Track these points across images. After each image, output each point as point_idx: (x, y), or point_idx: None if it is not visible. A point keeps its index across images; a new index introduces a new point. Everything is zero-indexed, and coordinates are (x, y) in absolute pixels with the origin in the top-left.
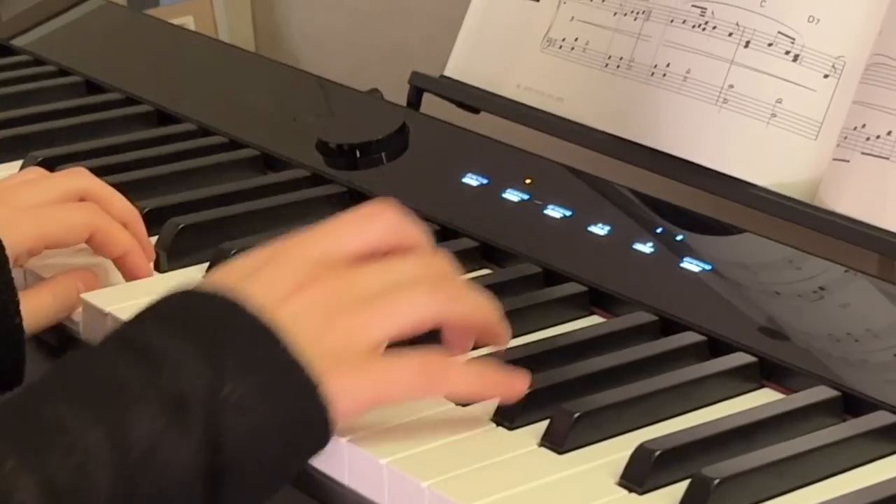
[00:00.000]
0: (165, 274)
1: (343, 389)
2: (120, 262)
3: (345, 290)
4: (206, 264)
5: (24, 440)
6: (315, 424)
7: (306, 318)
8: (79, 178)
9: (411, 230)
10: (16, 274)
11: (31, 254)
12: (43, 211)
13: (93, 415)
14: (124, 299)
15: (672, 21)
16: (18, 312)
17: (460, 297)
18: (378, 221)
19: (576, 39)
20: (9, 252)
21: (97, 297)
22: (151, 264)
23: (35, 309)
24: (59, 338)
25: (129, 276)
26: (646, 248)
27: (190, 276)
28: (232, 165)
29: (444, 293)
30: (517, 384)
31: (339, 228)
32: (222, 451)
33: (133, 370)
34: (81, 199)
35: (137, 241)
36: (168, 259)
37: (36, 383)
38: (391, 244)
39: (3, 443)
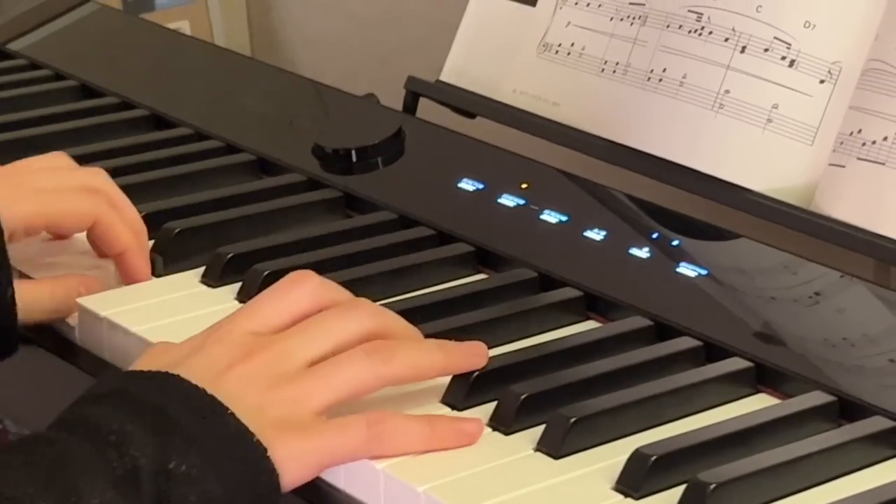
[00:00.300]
0: (161, 278)
1: (290, 455)
2: (119, 260)
3: (281, 359)
4: (202, 269)
5: None
6: (264, 492)
7: (247, 390)
8: (97, 176)
9: (334, 292)
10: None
11: (29, 232)
12: (50, 194)
13: (43, 487)
14: (120, 304)
15: (668, 26)
16: (10, 282)
17: (397, 356)
18: (302, 288)
19: (572, 44)
20: (5, 225)
21: (93, 302)
22: (149, 269)
23: (30, 299)
24: (55, 341)
25: (128, 276)
26: (642, 253)
27: (186, 280)
28: (228, 170)
29: (379, 357)
30: (467, 430)
31: (265, 302)
32: None
33: (81, 446)
34: None
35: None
36: (164, 263)
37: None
38: (316, 308)
39: None
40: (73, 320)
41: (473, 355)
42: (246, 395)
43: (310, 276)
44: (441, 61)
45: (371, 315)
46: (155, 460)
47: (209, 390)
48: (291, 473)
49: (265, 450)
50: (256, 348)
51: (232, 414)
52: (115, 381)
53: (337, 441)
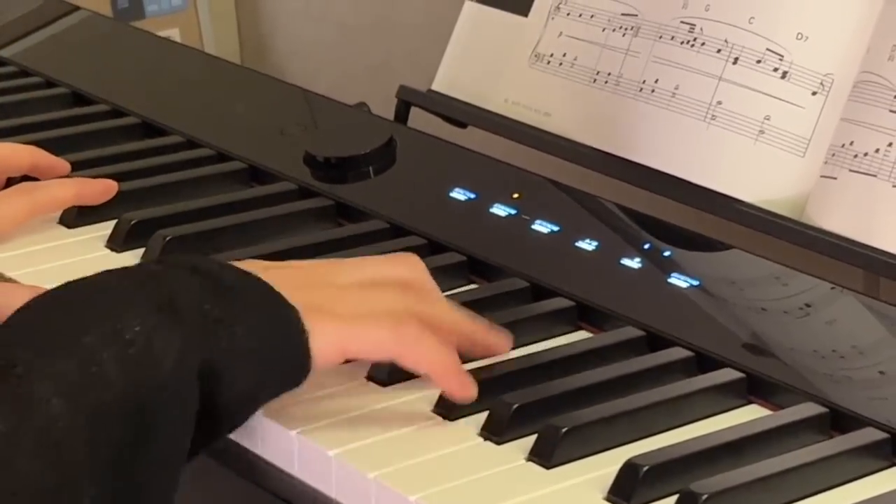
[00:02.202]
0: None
1: (319, 329)
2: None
3: (328, 272)
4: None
5: (28, 345)
6: (293, 351)
7: (290, 281)
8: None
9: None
10: None
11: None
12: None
13: (90, 317)
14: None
15: (661, 37)
16: None
17: (432, 302)
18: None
19: (564, 55)
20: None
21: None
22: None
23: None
24: None
25: (51, 175)
26: (633, 263)
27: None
28: (219, 178)
29: (416, 296)
30: (466, 389)
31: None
32: (213, 358)
33: (122, 282)
34: None
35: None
36: None
37: (31, 300)
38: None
39: (8, 349)
40: None
41: (500, 339)
42: (289, 283)
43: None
44: (433, 71)
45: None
46: (197, 302)
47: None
48: (319, 348)
49: (299, 313)
50: (302, 264)
51: (272, 286)
52: (167, 260)
53: (364, 331)
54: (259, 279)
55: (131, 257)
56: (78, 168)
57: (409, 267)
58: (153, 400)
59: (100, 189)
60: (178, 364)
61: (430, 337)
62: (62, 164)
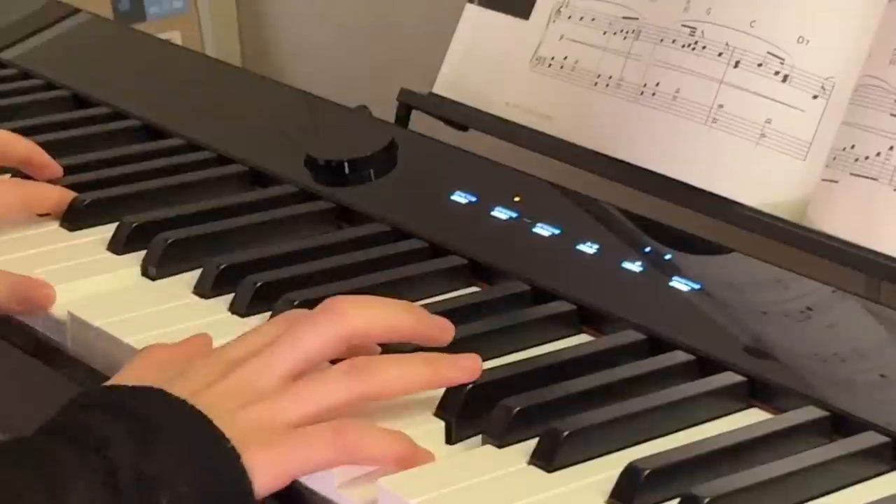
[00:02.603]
0: (153, 286)
1: (259, 463)
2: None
3: (257, 375)
4: (194, 279)
5: None
6: (236, 498)
7: (222, 404)
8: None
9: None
10: None
11: None
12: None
13: (30, 488)
14: (112, 314)
15: (662, 40)
16: None
17: (376, 373)
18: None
19: (565, 58)
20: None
21: (84, 311)
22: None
23: None
24: (45, 350)
25: (42, 174)
26: (634, 266)
27: (177, 290)
28: (220, 181)
29: (356, 375)
30: (427, 453)
31: (255, 332)
32: None
33: (65, 449)
34: None
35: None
36: (157, 274)
37: None
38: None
39: None
40: (64, 329)
41: (463, 368)
42: (221, 409)
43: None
44: (434, 74)
45: (351, 318)
46: (132, 463)
47: (188, 402)
48: (262, 483)
49: (238, 455)
50: (234, 368)
51: (209, 420)
52: (100, 392)
53: (304, 450)
54: (192, 414)
55: (132, 260)
56: (79, 171)
57: (338, 320)
58: None
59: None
60: None
61: (371, 433)
62: (55, 166)
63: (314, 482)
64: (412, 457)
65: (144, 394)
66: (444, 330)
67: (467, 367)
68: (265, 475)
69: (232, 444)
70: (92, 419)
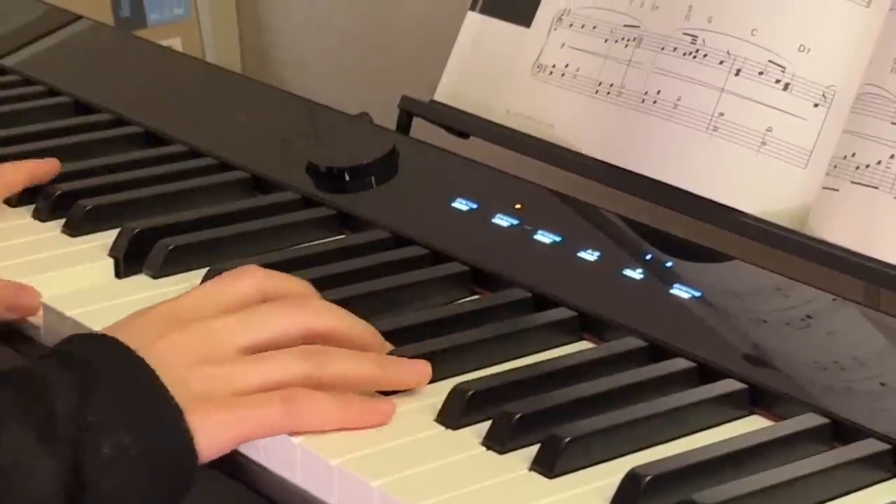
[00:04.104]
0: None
1: (204, 425)
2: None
3: (215, 337)
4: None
5: None
6: (178, 455)
7: (175, 360)
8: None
9: (282, 282)
10: None
11: None
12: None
13: None
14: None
15: (663, 48)
16: None
17: (331, 364)
18: (246, 278)
19: (566, 65)
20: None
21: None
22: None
23: None
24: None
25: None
26: (635, 274)
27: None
28: (222, 187)
29: (313, 360)
30: (380, 409)
31: (207, 288)
32: (85, 470)
33: (8, 391)
34: None
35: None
36: (157, 280)
37: None
38: (261, 300)
39: None
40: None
41: (412, 373)
42: (173, 364)
43: (254, 269)
44: (435, 81)
45: (316, 314)
46: (74, 408)
47: (137, 354)
48: (207, 444)
49: (181, 413)
50: (193, 323)
51: (156, 376)
52: (65, 340)
53: (251, 415)
54: (136, 363)
55: (133, 266)
56: (80, 177)
57: (312, 314)
58: None
59: (47, 169)
60: (45, 487)
61: (321, 400)
62: (54, 163)
63: (314, 487)
64: (361, 420)
65: (96, 341)
66: (412, 372)
67: (417, 373)
68: (210, 436)
69: (176, 401)
70: (43, 366)
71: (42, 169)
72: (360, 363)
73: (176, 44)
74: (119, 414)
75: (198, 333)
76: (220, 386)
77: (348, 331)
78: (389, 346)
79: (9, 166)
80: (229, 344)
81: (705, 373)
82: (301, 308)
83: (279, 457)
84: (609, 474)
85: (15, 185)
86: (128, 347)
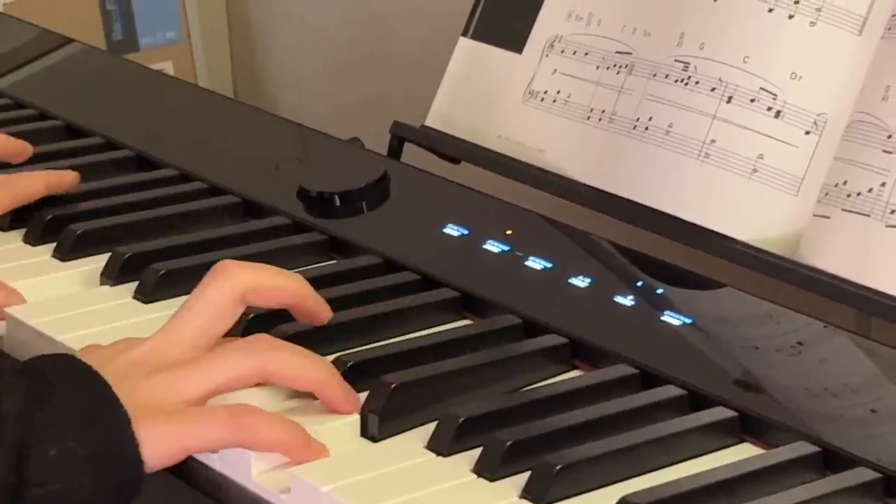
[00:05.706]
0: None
1: (153, 434)
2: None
3: (165, 348)
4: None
5: None
6: (125, 462)
7: (126, 374)
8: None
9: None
10: None
11: None
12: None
13: None
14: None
15: (655, 75)
16: None
17: (275, 354)
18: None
19: (558, 92)
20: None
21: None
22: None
23: None
24: None
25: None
26: (626, 300)
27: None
28: (213, 212)
29: (258, 350)
30: (317, 451)
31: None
32: (28, 472)
33: None
34: None
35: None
36: (147, 304)
37: None
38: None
39: None
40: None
41: (351, 393)
42: (124, 378)
43: (233, 269)
44: (426, 106)
45: (232, 278)
46: (21, 412)
47: (92, 369)
48: (154, 453)
49: (129, 420)
50: (144, 343)
51: (105, 382)
52: (27, 361)
53: (198, 427)
54: (90, 375)
55: (125, 290)
56: (72, 201)
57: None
58: None
59: (67, 180)
60: None
61: (265, 419)
62: (72, 175)
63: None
64: (304, 448)
65: (54, 358)
66: (325, 308)
67: (353, 397)
68: (157, 446)
69: (125, 409)
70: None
71: (61, 179)
72: (310, 361)
73: (168, 67)
74: (68, 420)
75: (148, 347)
76: (168, 394)
77: (272, 281)
78: (317, 295)
79: (26, 175)
80: (180, 346)
81: (696, 400)
82: (220, 279)
83: (270, 482)
84: (600, 502)
85: (33, 195)
86: (85, 363)
